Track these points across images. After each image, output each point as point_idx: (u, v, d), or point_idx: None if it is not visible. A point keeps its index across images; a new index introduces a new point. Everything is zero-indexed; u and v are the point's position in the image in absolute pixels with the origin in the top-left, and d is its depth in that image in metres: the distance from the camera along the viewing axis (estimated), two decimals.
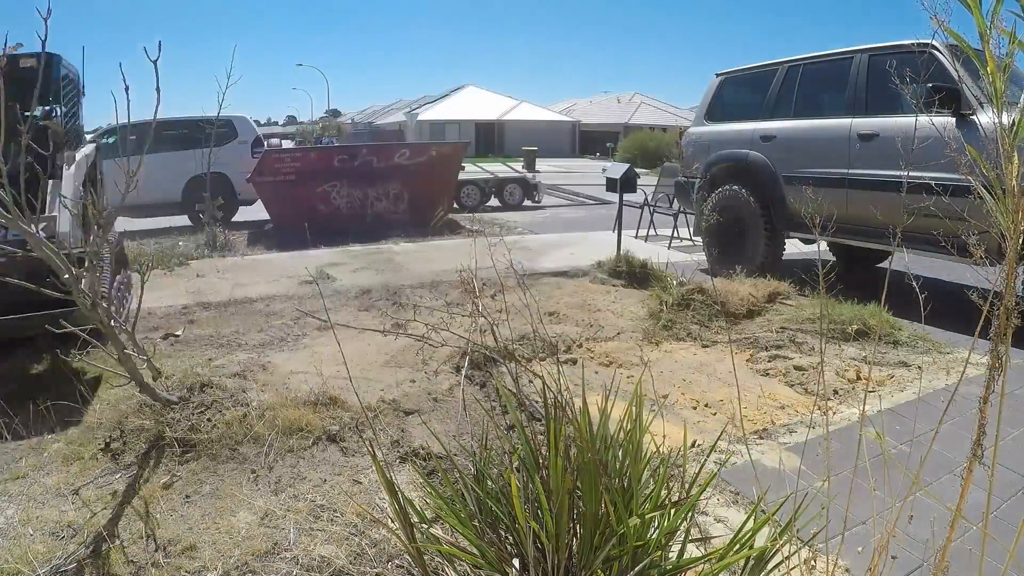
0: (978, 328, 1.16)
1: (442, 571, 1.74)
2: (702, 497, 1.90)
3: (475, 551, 1.54)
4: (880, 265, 6.83)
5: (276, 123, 73.11)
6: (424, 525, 1.68)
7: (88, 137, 6.16)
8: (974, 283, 1.26)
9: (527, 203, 13.41)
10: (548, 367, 3.37)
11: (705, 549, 1.75)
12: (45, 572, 1.87)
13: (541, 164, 25.15)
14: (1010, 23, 1.00)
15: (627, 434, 1.61)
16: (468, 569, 1.66)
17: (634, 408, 1.63)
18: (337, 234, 8.42)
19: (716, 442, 2.05)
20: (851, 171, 5.19)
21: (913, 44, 4.88)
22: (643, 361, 3.76)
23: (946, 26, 1.02)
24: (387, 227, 9.28)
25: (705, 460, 2.05)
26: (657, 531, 1.46)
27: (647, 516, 1.43)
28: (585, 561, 1.43)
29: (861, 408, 3.15)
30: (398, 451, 2.71)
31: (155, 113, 2.65)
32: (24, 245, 2.60)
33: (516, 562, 1.51)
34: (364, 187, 9.80)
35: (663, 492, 1.50)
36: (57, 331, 2.51)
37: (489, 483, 1.63)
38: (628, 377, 3.54)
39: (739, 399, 2.55)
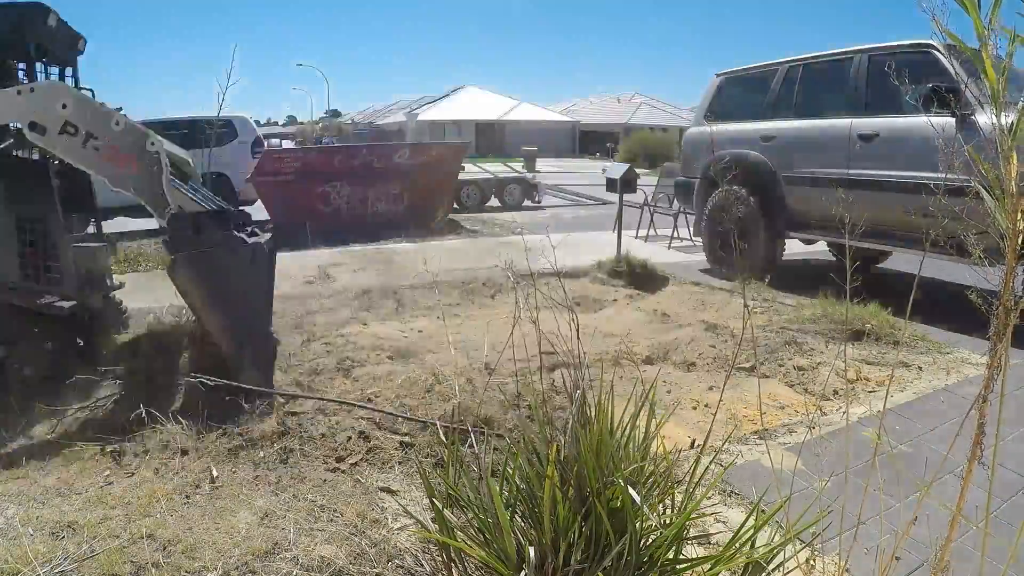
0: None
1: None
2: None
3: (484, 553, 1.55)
4: (879, 266, 6.83)
5: (276, 123, 72.96)
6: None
7: None
8: (974, 283, 1.26)
9: (527, 203, 13.39)
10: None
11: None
12: (45, 572, 1.87)
13: (541, 164, 25.14)
14: (1010, 23, 1.00)
15: (638, 446, 1.62)
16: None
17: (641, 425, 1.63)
18: (337, 234, 8.40)
19: (722, 445, 2.05)
20: (851, 171, 5.19)
21: (913, 44, 4.88)
22: (640, 367, 3.76)
23: (944, 28, 1.02)
24: (387, 227, 9.26)
25: (709, 463, 2.04)
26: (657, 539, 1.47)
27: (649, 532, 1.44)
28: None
29: (865, 408, 3.15)
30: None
31: None
32: None
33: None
34: (364, 187, 9.78)
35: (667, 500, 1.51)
36: None
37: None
38: (622, 377, 3.53)
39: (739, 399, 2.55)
